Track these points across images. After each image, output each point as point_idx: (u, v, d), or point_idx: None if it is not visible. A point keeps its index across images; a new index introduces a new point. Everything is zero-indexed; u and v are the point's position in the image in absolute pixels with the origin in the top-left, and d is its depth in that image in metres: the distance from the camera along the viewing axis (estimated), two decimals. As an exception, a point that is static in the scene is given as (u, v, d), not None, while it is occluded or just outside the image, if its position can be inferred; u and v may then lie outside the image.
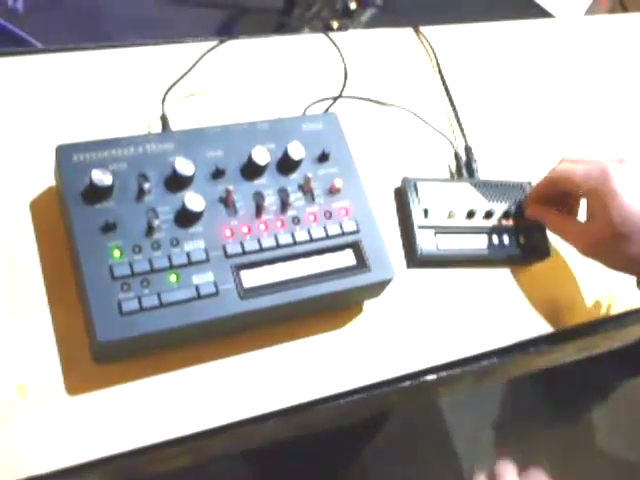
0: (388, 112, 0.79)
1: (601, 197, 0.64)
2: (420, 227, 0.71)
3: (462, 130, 0.81)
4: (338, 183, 0.63)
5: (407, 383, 0.67)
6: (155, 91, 0.69)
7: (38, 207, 0.61)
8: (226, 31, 1.54)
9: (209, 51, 0.72)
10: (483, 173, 0.78)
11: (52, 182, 0.62)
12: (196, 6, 1.59)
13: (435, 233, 0.71)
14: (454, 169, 0.79)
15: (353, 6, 1.04)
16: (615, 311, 0.77)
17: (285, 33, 1.07)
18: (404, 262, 0.71)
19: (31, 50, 0.69)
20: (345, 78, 0.74)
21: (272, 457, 0.93)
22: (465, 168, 0.78)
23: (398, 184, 0.74)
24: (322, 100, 0.75)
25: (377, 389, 0.66)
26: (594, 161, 0.66)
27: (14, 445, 0.53)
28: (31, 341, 0.56)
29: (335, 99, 0.74)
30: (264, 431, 0.63)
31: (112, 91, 0.69)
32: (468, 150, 0.80)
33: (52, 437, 0.54)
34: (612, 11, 1.25)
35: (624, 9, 1.23)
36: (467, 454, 1.34)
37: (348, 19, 1.04)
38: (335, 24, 1.02)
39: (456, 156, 0.79)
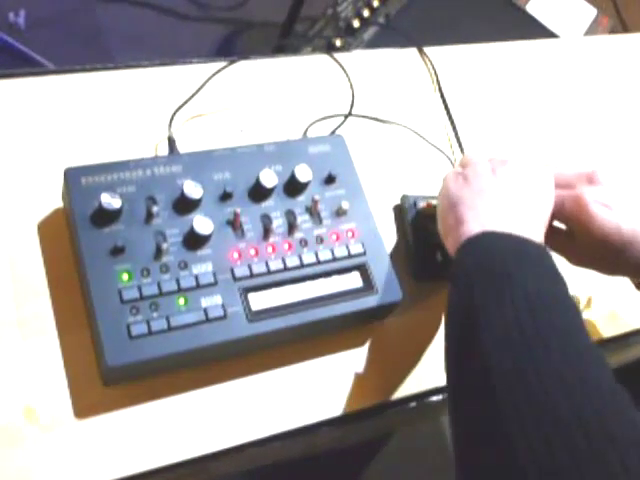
0: (388, 130, 0.80)
1: (581, 223, 0.63)
2: (419, 244, 0.71)
3: (461, 148, 0.81)
4: (345, 205, 0.64)
5: (413, 404, 0.67)
6: (161, 112, 0.69)
7: (46, 229, 0.62)
8: (227, 46, 1.55)
9: (218, 72, 0.72)
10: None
11: (59, 204, 0.62)
12: (196, 21, 1.60)
13: (435, 250, 0.71)
14: (454, 186, 0.79)
15: (356, 24, 1.05)
16: (619, 330, 0.78)
17: (287, 52, 1.07)
18: (405, 280, 0.71)
19: (37, 71, 0.69)
20: (352, 99, 0.75)
21: (274, 476, 0.93)
22: (465, 186, 0.79)
23: (397, 201, 0.75)
24: (323, 119, 0.75)
25: (383, 410, 0.66)
26: (568, 182, 0.65)
27: (23, 469, 0.53)
28: (40, 364, 0.56)
29: (346, 117, 0.75)
30: (270, 452, 0.63)
31: (119, 112, 0.69)
32: (467, 168, 0.80)
33: (61, 460, 0.54)
34: (613, 29, 1.25)
35: (624, 27, 1.24)
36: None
37: (351, 37, 1.04)
38: (338, 42, 1.02)
39: (455, 173, 0.79)
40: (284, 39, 1.32)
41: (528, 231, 0.58)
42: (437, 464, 1.30)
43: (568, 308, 0.53)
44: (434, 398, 0.68)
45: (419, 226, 0.72)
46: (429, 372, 0.68)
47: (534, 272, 0.54)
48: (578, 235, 0.64)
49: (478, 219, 0.58)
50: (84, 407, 0.56)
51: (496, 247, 0.56)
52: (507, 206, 0.59)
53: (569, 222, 0.65)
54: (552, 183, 0.63)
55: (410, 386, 0.67)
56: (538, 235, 0.59)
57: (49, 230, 0.61)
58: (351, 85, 0.75)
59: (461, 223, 0.59)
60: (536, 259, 0.56)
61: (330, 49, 1.05)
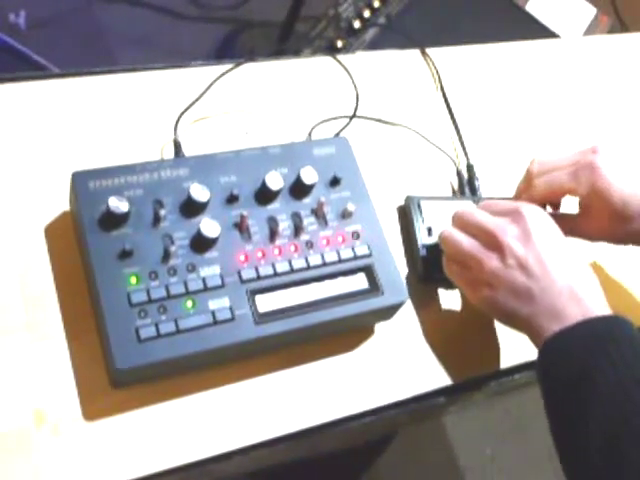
0: (391, 131, 0.80)
1: (600, 191, 0.64)
2: (424, 245, 0.72)
3: (464, 148, 0.82)
4: (350, 207, 0.64)
5: (417, 405, 0.68)
6: (167, 115, 0.70)
7: (53, 232, 0.62)
8: (228, 46, 1.55)
9: (225, 74, 0.72)
10: (485, 191, 0.79)
11: (66, 207, 0.62)
12: (196, 21, 1.60)
13: (439, 251, 0.71)
14: (457, 187, 0.79)
15: (357, 25, 1.05)
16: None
17: (288, 53, 1.07)
18: (409, 281, 0.71)
19: (42, 75, 0.70)
20: (357, 100, 0.75)
21: (278, 477, 0.94)
22: (467, 186, 0.79)
23: (401, 202, 0.75)
24: (327, 120, 0.76)
25: (387, 411, 0.66)
26: (572, 161, 0.67)
27: (33, 472, 0.53)
28: (48, 368, 0.57)
29: (351, 118, 0.75)
30: (276, 454, 0.64)
31: (124, 115, 0.70)
32: (470, 168, 0.80)
33: (70, 463, 0.55)
34: (612, 28, 1.26)
35: (623, 26, 1.24)
36: (470, 467, 1.34)
37: (352, 38, 1.05)
38: (339, 43, 1.03)
39: (458, 174, 0.80)
40: (284, 41, 1.33)
41: (587, 300, 0.59)
42: (439, 463, 1.31)
43: None
44: (439, 399, 0.69)
45: (424, 228, 0.72)
46: (433, 373, 0.68)
47: (612, 358, 0.55)
48: (595, 204, 0.65)
49: (541, 326, 0.60)
50: (93, 410, 0.56)
51: (569, 347, 0.58)
52: (551, 291, 0.60)
53: (587, 194, 0.65)
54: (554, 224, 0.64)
55: (414, 387, 0.67)
56: (596, 294, 0.60)
57: (57, 234, 0.62)
58: (355, 87, 0.75)
59: (529, 331, 0.62)
60: (610, 337, 0.57)
61: (331, 50, 1.05)
